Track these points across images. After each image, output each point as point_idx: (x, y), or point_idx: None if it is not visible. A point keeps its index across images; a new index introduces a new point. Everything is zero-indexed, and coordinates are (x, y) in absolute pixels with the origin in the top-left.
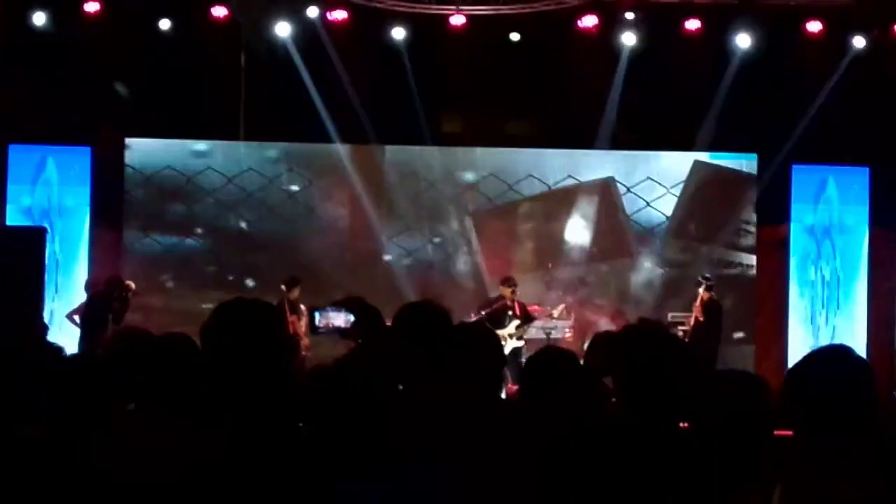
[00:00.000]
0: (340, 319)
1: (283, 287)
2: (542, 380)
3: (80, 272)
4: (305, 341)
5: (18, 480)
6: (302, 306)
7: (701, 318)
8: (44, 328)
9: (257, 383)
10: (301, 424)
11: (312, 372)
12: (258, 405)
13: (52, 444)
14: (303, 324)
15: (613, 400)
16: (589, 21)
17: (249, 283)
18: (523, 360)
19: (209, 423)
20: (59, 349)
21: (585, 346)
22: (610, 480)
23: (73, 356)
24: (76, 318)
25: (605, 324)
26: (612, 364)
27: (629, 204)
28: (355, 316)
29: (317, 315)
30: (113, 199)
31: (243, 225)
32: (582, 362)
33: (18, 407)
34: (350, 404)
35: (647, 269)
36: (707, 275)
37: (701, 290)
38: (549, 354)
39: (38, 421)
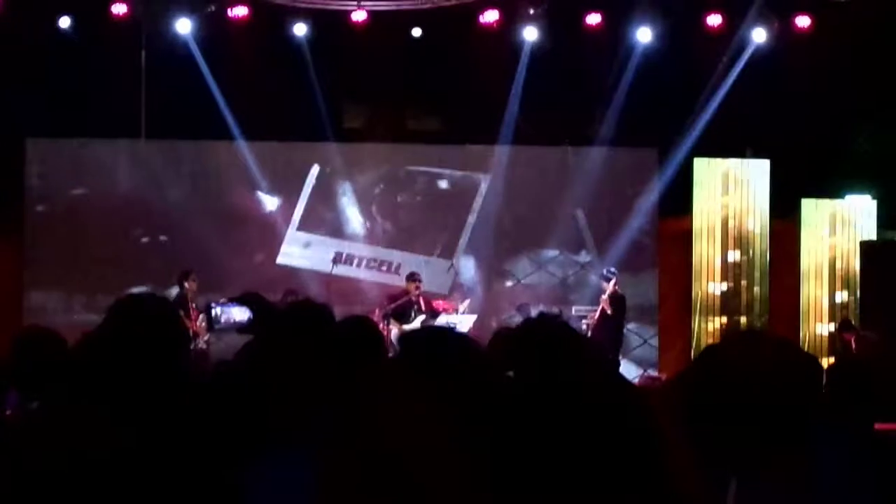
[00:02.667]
0: (239, 315)
1: (180, 280)
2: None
3: None
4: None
5: None
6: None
7: (608, 311)
8: None
9: (153, 376)
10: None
11: (217, 366)
12: (156, 398)
13: None
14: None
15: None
16: (490, 16)
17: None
18: None
19: (109, 418)
20: None
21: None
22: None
23: None
24: None
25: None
26: (515, 359)
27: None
28: (252, 311)
29: (215, 310)
30: (12, 200)
31: (143, 225)
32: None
33: None
34: (244, 395)
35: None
36: (612, 269)
37: (608, 283)
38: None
39: None
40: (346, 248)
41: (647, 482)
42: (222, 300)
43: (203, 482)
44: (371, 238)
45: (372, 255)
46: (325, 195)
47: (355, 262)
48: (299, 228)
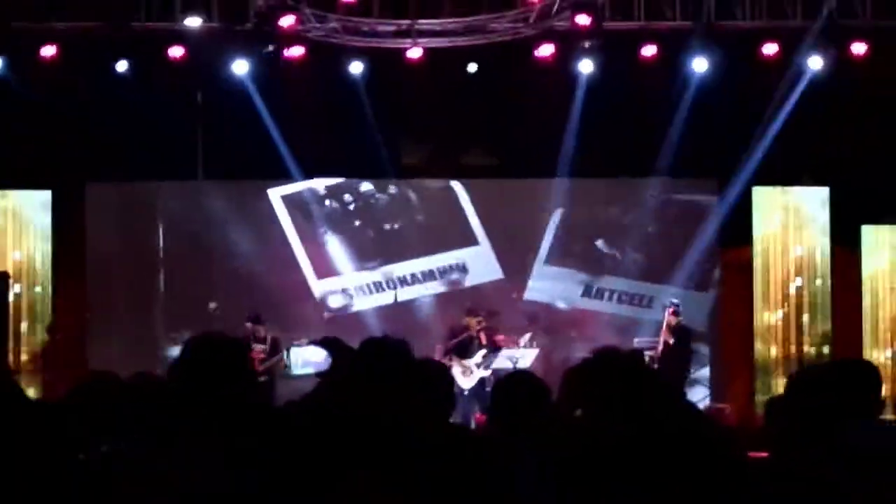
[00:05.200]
0: (316, 357)
1: (247, 324)
2: (510, 407)
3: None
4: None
5: None
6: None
7: (670, 342)
8: (7, 372)
9: (226, 414)
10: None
11: (286, 406)
12: (228, 434)
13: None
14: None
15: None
16: (546, 50)
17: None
18: (489, 389)
19: (185, 455)
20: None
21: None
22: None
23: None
24: (39, 362)
25: (568, 353)
26: (586, 395)
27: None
28: (331, 355)
29: (293, 353)
30: (74, 243)
31: (203, 263)
32: (556, 396)
33: None
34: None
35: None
36: (674, 300)
37: (667, 314)
38: (517, 380)
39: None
40: (596, 281)
41: None
42: (298, 342)
43: None
44: (622, 270)
45: (624, 289)
46: (571, 228)
47: (606, 295)
48: (546, 262)
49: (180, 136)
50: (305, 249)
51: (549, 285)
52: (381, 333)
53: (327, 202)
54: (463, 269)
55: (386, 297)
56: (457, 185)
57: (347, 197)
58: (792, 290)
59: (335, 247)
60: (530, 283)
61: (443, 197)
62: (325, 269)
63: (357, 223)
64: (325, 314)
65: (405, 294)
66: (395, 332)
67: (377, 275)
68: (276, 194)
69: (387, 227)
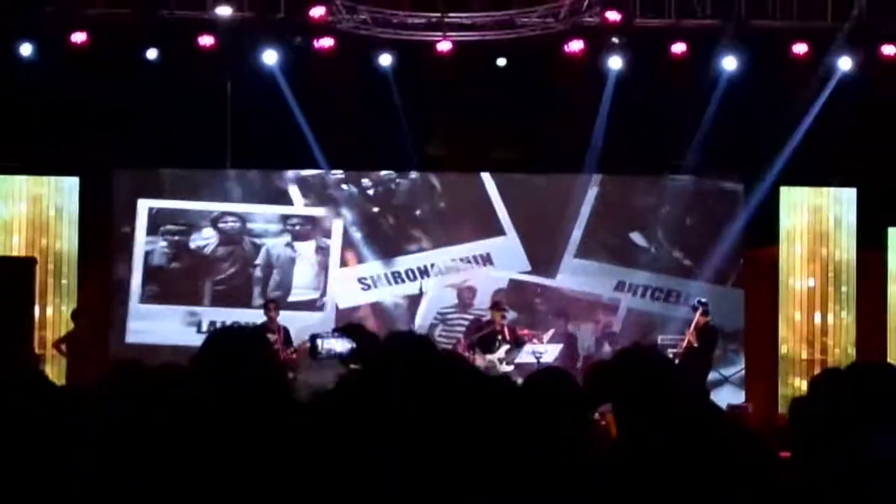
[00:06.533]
0: (341, 346)
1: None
2: (542, 403)
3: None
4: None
5: None
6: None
7: (695, 343)
8: (35, 359)
9: (254, 410)
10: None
11: (313, 396)
12: (256, 430)
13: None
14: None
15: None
16: (575, 46)
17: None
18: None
19: (206, 449)
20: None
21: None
22: None
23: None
24: (63, 347)
25: (594, 347)
26: (610, 392)
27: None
28: (355, 342)
29: (318, 341)
30: (101, 229)
31: (228, 250)
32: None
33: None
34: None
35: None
36: (702, 299)
37: (697, 314)
38: (551, 376)
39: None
40: (628, 276)
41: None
42: (325, 331)
43: None
44: (656, 265)
45: (658, 285)
46: (603, 221)
47: (639, 291)
48: (577, 256)
49: (209, 126)
50: None
51: (579, 279)
52: (406, 327)
53: (344, 186)
54: (488, 259)
55: (404, 289)
56: (484, 175)
57: (366, 182)
58: (817, 290)
59: (351, 234)
60: (559, 277)
61: (468, 185)
62: (340, 257)
63: (375, 209)
64: (340, 305)
65: (425, 285)
66: (410, 325)
67: (395, 264)
68: (291, 176)
69: (407, 214)
